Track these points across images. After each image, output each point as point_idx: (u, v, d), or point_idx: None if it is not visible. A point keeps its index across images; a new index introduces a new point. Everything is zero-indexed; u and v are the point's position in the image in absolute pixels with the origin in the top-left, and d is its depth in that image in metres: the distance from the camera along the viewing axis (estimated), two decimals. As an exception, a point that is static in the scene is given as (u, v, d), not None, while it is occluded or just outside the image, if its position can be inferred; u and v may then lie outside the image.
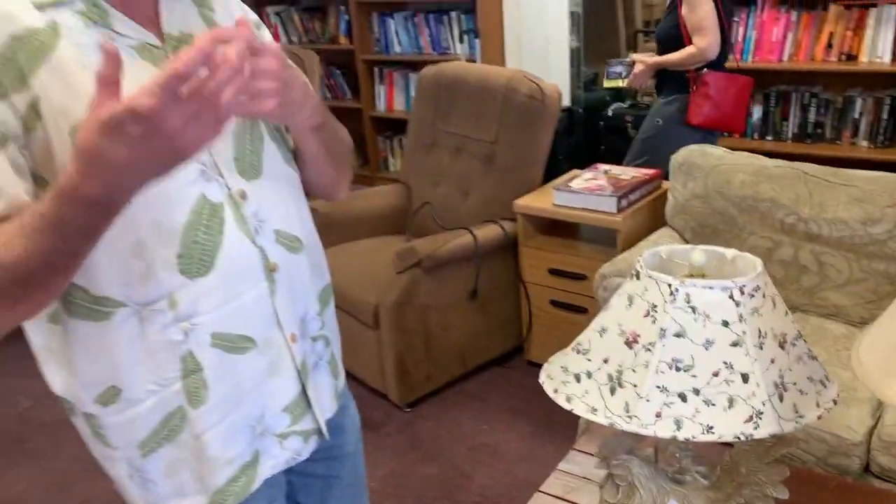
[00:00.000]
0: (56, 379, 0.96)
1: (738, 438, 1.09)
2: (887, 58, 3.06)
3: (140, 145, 0.69)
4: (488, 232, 2.57)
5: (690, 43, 2.87)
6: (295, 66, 0.92)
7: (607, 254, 2.42)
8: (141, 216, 0.84)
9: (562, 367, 1.24)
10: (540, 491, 1.40)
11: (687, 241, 2.28)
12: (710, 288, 1.10)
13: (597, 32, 4.90)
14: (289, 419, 1.02)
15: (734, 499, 1.22)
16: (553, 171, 3.69)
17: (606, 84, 3.14)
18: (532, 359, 2.72)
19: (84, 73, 0.80)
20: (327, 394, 1.09)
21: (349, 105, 4.85)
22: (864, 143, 3.21)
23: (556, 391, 1.21)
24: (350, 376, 2.70)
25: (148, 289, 0.87)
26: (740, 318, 1.10)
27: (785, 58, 3.28)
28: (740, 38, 3.36)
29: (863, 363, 0.96)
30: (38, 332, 0.94)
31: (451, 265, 2.51)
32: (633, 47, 4.99)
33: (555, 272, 2.54)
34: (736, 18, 3.35)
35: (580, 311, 2.52)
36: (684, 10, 2.86)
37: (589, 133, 3.98)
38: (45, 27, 0.81)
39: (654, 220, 2.44)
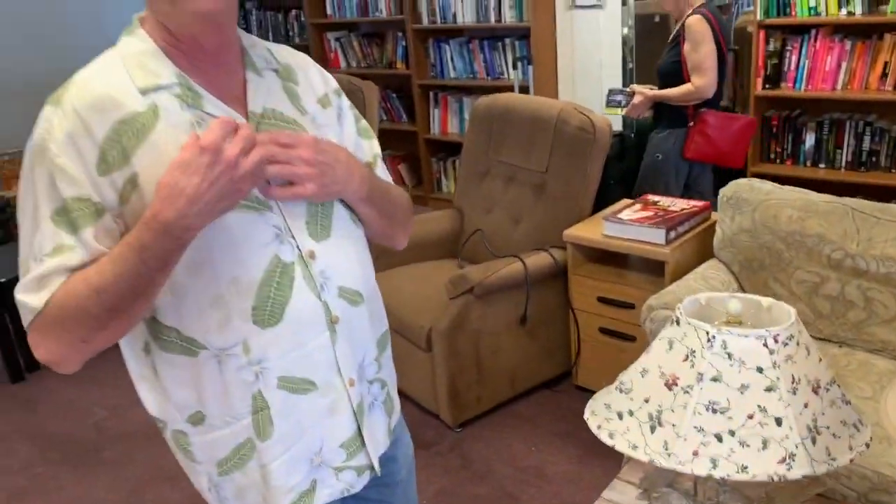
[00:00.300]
0: (150, 401, 1.08)
1: (772, 479, 1.15)
2: (944, 88, 3.05)
3: (207, 174, 0.87)
4: (538, 260, 2.65)
5: (689, 80, 2.98)
6: (337, 147, 1.05)
7: (655, 283, 2.48)
8: (222, 273, 0.97)
9: (605, 405, 1.32)
10: (584, 518, 1.48)
11: (734, 274, 2.32)
12: (746, 336, 1.17)
13: (650, 55, 4.95)
14: (344, 455, 1.13)
15: (768, 534, 1.28)
16: (604, 195, 3.75)
17: (605, 111, 3.29)
18: (580, 383, 2.79)
19: (177, 150, 0.92)
20: (381, 432, 1.19)
21: (405, 128, 4.99)
22: (921, 172, 3.20)
23: (599, 427, 1.29)
24: (402, 395, 2.82)
25: (225, 336, 1.00)
26: (774, 364, 1.17)
27: (839, 86, 3.29)
28: (793, 67, 3.37)
29: (892, 419, 1.02)
30: (134, 362, 1.08)
31: (502, 292, 2.60)
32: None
33: (603, 300, 2.61)
34: (789, 47, 3.37)
35: (628, 339, 2.58)
36: (686, 48, 2.99)
37: (640, 158, 4.02)
38: (147, 110, 0.94)
39: (703, 251, 2.49)
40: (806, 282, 2.20)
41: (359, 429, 1.13)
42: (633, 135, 4.09)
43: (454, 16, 4.51)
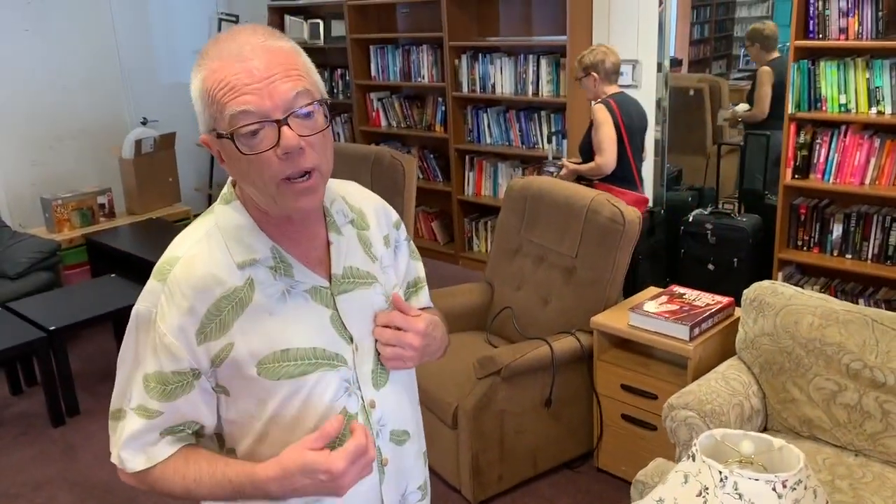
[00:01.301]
0: None
1: None
2: (971, 190, 3.11)
3: (319, 485, 1.00)
4: (565, 344, 2.74)
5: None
6: (436, 324, 1.21)
7: (678, 376, 2.56)
8: (303, 424, 1.09)
9: (622, 527, 1.40)
10: None
11: (755, 375, 2.39)
12: (756, 480, 1.25)
13: (685, 125, 5.06)
14: None
15: None
16: (633, 269, 3.85)
17: (541, 176, 3.74)
18: (601, 466, 2.86)
19: (271, 318, 1.05)
20: None
21: (440, 188, 5.15)
22: (946, 270, 3.24)
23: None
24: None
25: None
26: (782, 509, 1.25)
27: (867, 181, 3.36)
28: (822, 160, 3.46)
29: None
30: None
31: (529, 374, 2.69)
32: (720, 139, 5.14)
33: (627, 388, 2.69)
34: (819, 140, 3.46)
35: (649, 428, 2.65)
36: (593, 131, 3.52)
37: (670, 235, 4.12)
38: (244, 284, 1.05)
39: (725, 347, 2.56)
40: (824, 389, 2.26)
41: None
42: (662, 210, 4.19)
43: (493, 86, 4.68)
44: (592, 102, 3.61)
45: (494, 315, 3.18)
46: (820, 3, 3.29)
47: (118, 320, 4.07)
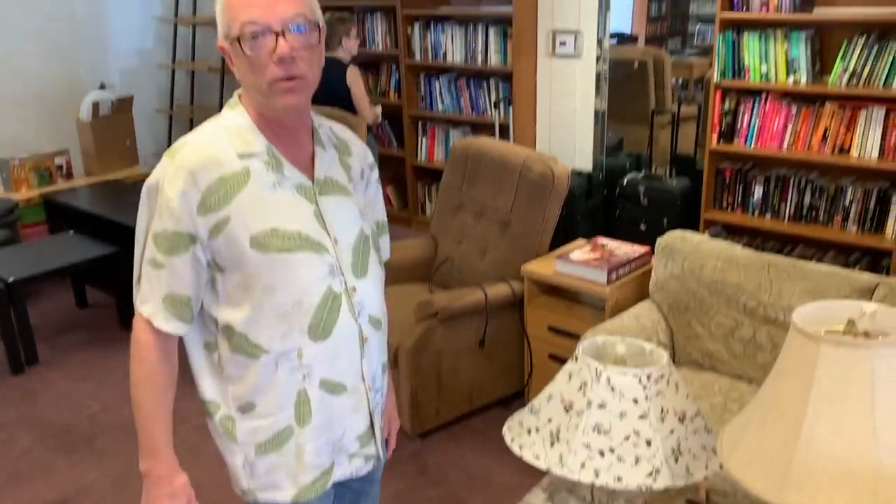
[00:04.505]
0: (208, 388, 1.40)
1: (641, 489, 1.46)
2: (875, 154, 3.38)
3: None
4: (498, 290, 2.96)
5: None
6: (392, 406, 1.65)
7: (598, 317, 2.80)
8: (290, 296, 1.30)
9: (519, 422, 1.63)
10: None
11: (664, 314, 2.64)
12: (625, 374, 1.48)
13: (629, 95, 5.28)
14: (358, 445, 1.47)
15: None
16: (572, 230, 4.08)
17: None
18: (530, 403, 3.10)
19: (262, 203, 1.28)
20: (380, 430, 1.52)
21: (394, 153, 5.31)
22: (854, 228, 3.52)
23: (512, 440, 1.60)
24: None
25: (285, 344, 1.32)
26: (646, 397, 1.48)
27: (785, 146, 3.62)
28: (745, 126, 3.71)
29: (745, 481, 1.29)
30: (196, 355, 1.40)
31: (464, 317, 2.91)
32: (661, 111, 5.36)
33: (553, 329, 2.92)
34: (742, 107, 3.71)
35: (573, 366, 2.88)
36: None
37: (607, 197, 4.35)
38: (242, 170, 1.28)
39: (641, 291, 2.80)
40: (724, 325, 2.51)
41: (371, 425, 1.47)
42: (601, 175, 4.42)
43: (444, 55, 4.85)
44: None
45: (437, 266, 3.38)
46: (744, -23, 3.52)
47: (78, 275, 4.20)
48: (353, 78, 4.24)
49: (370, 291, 1.42)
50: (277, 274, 1.29)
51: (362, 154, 1.49)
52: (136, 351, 1.32)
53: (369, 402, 1.45)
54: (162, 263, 1.27)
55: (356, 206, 1.42)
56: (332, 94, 4.21)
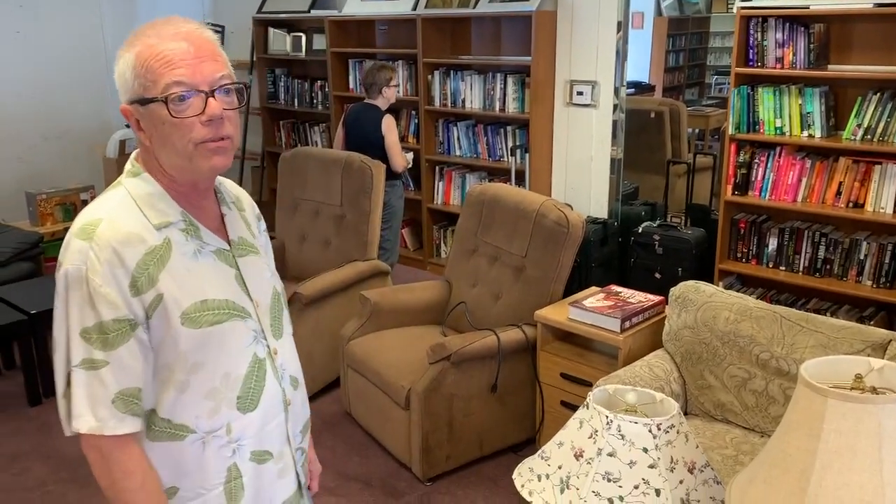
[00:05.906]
0: None
1: (649, 538, 1.46)
2: (889, 209, 3.39)
3: None
4: (511, 335, 2.98)
5: None
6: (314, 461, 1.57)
7: (612, 365, 2.80)
8: (217, 370, 1.24)
9: (529, 468, 1.64)
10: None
11: (676, 364, 2.64)
12: (636, 423, 1.49)
13: (646, 145, 5.35)
14: None
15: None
16: (586, 277, 4.10)
17: None
18: (541, 450, 3.09)
19: (189, 274, 1.21)
20: (306, 488, 1.49)
21: (411, 196, 5.38)
22: (868, 283, 3.52)
23: (522, 486, 1.61)
24: (380, 447, 3.11)
25: (213, 421, 1.25)
26: (656, 447, 1.49)
27: (799, 199, 3.65)
28: (759, 178, 3.74)
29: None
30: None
31: (477, 361, 2.92)
32: (677, 161, 5.42)
33: (566, 376, 2.93)
34: (757, 160, 3.75)
35: (584, 413, 2.88)
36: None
37: (622, 245, 4.38)
38: (163, 243, 1.20)
39: (654, 340, 2.81)
40: (736, 377, 2.51)
41: (299, 486, 1.43)
42: (616, 223, 4.46)
43: (463, 101, 4.95)
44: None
45: (451, 309, 3.41)
46: (758, 34, 3.60)
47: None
48: (389, 126, 4.30)
49: (288, 350, 1.39)
50: (206, 349, 1.22)
51: (250, 205, 1.46)
52: (107, 473, 1.20)
53: (295, 464, 1.41)
54: (101, 361, 1.15)
55: (266, 264, 1.39)
56: (366, 140, 4.29)
